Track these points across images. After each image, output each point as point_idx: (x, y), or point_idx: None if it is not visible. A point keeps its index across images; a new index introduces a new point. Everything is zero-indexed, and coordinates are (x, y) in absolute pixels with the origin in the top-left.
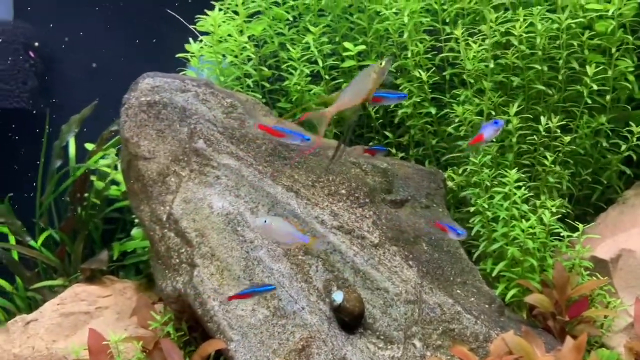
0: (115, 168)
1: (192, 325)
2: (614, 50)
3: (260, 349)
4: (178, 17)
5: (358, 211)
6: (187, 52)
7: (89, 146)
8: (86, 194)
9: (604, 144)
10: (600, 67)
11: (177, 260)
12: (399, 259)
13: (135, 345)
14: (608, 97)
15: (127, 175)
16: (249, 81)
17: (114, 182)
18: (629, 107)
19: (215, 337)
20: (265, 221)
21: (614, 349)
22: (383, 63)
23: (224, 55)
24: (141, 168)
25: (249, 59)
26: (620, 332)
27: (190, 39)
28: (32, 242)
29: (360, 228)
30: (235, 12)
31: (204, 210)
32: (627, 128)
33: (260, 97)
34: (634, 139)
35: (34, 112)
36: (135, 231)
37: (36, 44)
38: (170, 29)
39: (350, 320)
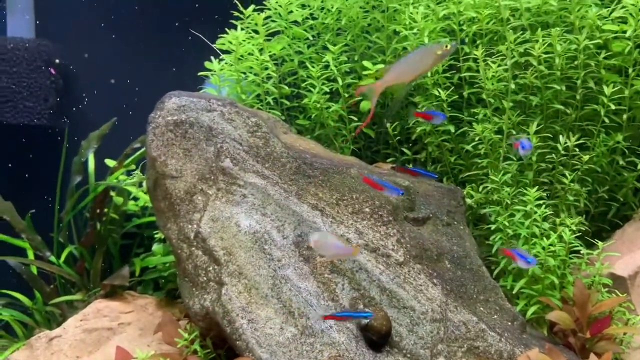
0: (140, 185)
1: (217, 342)
2: (630, 70)
3: None
4: (199, 35)
5: (382, 229)
6: (208, 69)
7: (110, 163)
8: (105, 210)
9: (620, 161)
10: (617, 87)
11: (205, 279)
12: (423, 277)
13: None
14: (625, 116)
15: (154, 193)
16: (269, 98)
17: (134, 198)
18: None
19: (244, 355)
20: (316, 237)
21: None
22: (449, 46)
23: (244, 73)
24: (169, 187)
25: (269, 77)
26: (639, 348)
27: (212, 57)
28: (52, 258)
29: (385, 246)
30: (255, 31)
31: (231, 228)
32: None
33: (280, 114)
34: None
35: (56, 129)
36: (156, 247)
37: (57, 60)
38: (190, 47)
39: (378, 339)
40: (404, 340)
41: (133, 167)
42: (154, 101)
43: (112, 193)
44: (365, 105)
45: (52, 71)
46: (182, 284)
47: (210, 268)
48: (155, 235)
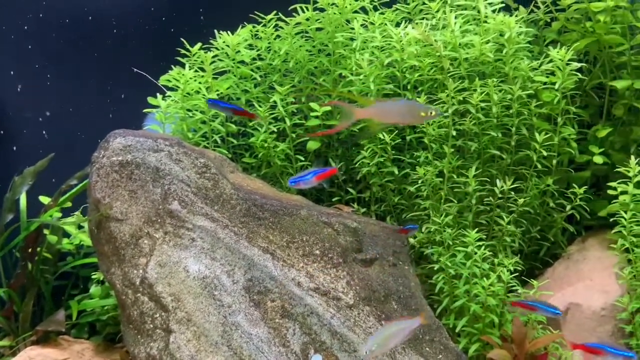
0: (80, 227)
1: None
2: (559, 118)
3: None
4: (143, 73)
5: (332, 272)
6: (152, 106)
7: (44, 199)
8: (38, 249)
9: (551, 203)
10: (547, 134)
11: (152, 326)
12: (372, 319)
13: None
14: (554, 161)
15: (97, 236)
16: (216, 137)
17: (67, 235)
18: (571, 170)
19: None
20: (375, 345)
21: None
22: (433, 113)
23: (190, 111)
24: (113, 230)
25: (216, 116)
26: None
27: (158, 94)
28: None
29: (335, 289)
30: (202, 69)
31: (179, 273)
32: (571, 190)
33: (226, 152)
34: (577, 200)
35: None
36: (94, 289)
37: None
38: (132, 84)
39: None
40: None
41: (69, 204)
42: (92, 137)
43: (46, 231)
44: (312, 145)
45: None
46: (127, 331)
47: (157, 315)
48: (93, 276)
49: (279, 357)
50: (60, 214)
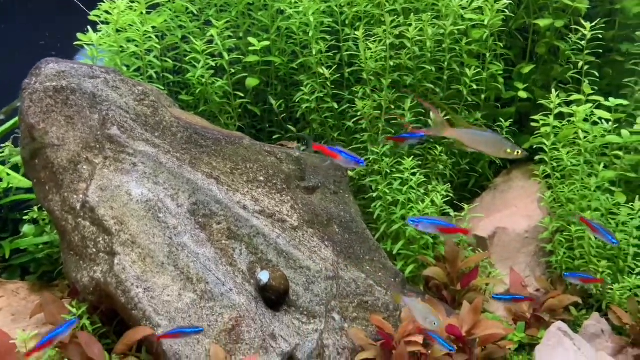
0: (2, 163)
1: (108, 318)
2: (487, 53)
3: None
4: (77, 2)
5: (277, 197)
6: (84, 40)
7: None
8: None
9: None
10: (477, 70)
11: (94, 250)
12: (316, 240)
13: None
14: (483, 96)
15: (31, 164)
16: (152, 72)
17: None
18: (498, 105)
19: (141, 324)
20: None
21: (494, 314)
22: (519, 152)
23: (122, 46)
24: (50, 156)
25: (151, 50)
26: None
27: (89, 28)
28: None
29: (280, 212)
30: (133, 2)
31: (122, 197)
32: (497, 123)
33: (163, 89)
34: (503, 133)
35: None
36: (27, 228)
37: None
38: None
39: (277, 298)
40: (301, 299)
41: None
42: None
43: None
44: (251, 82)
45: None
46: (68, 258)
47: (100, 239)
48: (25, 217)
49: (226, 276)
50: None
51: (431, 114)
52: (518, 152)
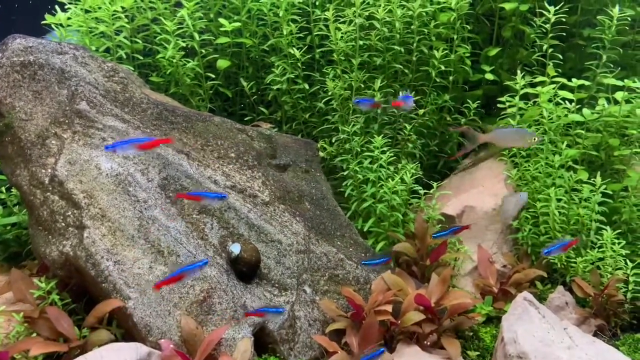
0: None
1: (77, 294)
2: (455, 36)
3: (161, 304)
4: None
5: (248, 173)
6: (52, 19)
7: None
8: None
9: (448, 118)
10: (444, 52)
11: (63, 224)
12: (288, 215)
13: (16, 317)
14: (450, 78)
15: None
16: (121, 52)
17: None
18: (466, 87)
19: (112, 297)
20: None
21: (463, 289)
22: (537, 139)
23: (92, 26)
24: (17, 130)
25: (120, 31)
26: (466, 275)
27: (57, 7)
28: None
29: (251, 188)
30: None
31: (91, 171)
32: (465, 105)
33: (133, 70)
34: (471, 114)
35: None
36: None
37: None
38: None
39: (248, 270)
40: (273, 272)
41: None
42: None
43: None
44: (222, 63)
45: None
46: (36, 233)
47: (69, 213)
48: None
49: (197, 249)
50: None
51: (465, 133)
52: (535, 139)
